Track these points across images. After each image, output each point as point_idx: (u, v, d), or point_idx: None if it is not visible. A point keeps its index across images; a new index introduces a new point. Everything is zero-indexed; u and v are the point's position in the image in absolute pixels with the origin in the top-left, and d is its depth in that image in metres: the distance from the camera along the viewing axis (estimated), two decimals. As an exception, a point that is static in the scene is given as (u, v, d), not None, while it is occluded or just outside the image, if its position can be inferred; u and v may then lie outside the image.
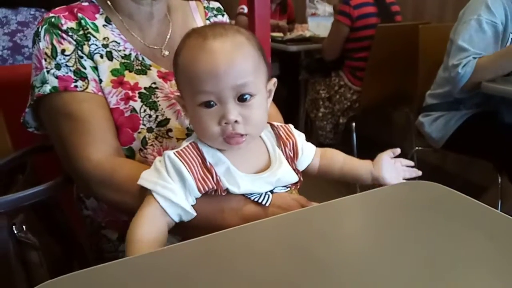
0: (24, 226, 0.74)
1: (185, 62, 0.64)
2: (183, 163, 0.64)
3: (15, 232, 0.72)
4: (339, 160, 0.80)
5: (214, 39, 0.62)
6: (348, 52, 2.36)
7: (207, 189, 0.65)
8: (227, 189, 0.66)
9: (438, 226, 0.60)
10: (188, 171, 0.64)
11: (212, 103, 0.63)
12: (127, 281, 0.49)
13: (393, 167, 0.79)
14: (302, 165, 0.76)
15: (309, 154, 0.77)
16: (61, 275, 0.49)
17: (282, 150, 0.73)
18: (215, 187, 0.66)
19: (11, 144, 0.99)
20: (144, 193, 0.65)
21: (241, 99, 0.63)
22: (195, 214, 0.66)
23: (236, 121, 0.63)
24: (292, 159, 0.74)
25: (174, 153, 0.65)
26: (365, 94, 2.28)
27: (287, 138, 0.74)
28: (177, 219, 0.64)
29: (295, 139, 0.75)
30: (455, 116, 1.73)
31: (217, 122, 0.63)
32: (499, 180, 1.74)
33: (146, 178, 0.65)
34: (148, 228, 0.61)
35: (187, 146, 0.67)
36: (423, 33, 1.93)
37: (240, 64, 0.62)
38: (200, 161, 0.66)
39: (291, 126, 0.78)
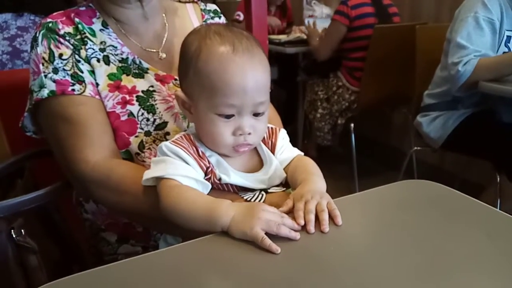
0: (22, 230, 0.74)
1: (212, 71, 0.64)
2: (180, 148, 0.66)
3: (14, 236, 0.73)
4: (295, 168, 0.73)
5: (243, 53, 0.64)
6: (344, 52, 2.37)
7: (205, 168, 0.67)
8: (220, 179, 0.68)
9: (438, 225, 0.60)
10: (187, 153, 0.66)
11: (231, 114, 0.66)
12: (126, 283, 0.49)
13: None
14: None
15: (284, 159, 0.75)
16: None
17: None
18: (209, 174, 0.67)
19: (9, 149, 0.99)
20: (148, 193, 0.65)
21: (255, 113, 0.67)
22: (210, 185, 0.67)
23: (249, 133, 0.66)
24: None
25: (169, 142, 0.68)
26: (363, 94, 2.28)
27: (267, 139, 0.75)
28: None
29: (275, 141, 0.76)
30: (453, 116, 1.73)
31: (231, 132, 0.66)
32: (498, 179, 1.73)
33: (151, 172, 0.66)
34: (190, 191, 0.62)
35: (181, 136, 0.70)
36: (420, 33, 1.93)
37: (264, 83, 0.66)
38: (194, 148, 0.68)
39: (281, 130, 0.78)
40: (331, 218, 0.59)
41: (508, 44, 1.64)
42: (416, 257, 0.52)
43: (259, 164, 0.73)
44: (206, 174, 0.67)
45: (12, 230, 0.73)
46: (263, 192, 0.69)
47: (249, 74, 0.64)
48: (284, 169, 0.74)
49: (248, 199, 0.68)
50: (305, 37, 2.78)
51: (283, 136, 0.77)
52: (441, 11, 2.44)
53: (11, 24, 1.52)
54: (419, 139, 1.92)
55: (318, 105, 2.48)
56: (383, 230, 0.59)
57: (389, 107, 2.63)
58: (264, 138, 0.75)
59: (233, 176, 0.68)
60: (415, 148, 2.05)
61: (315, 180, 0.67)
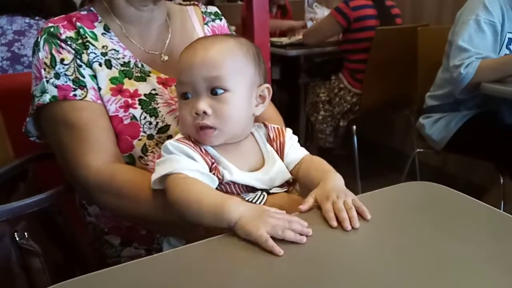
0: (26, 233, 0.74)
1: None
2: (185, 145, 0.67)
3: (17, 239, 0.73)
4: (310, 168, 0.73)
5: (207, 39, 0.69)
6: (345, 54, 2.37)
7: (210, 163, 0.67)
8: (223, 175, 0.67)
9: (441, 227, 0.60)
10: (192, 149, 0.67)
11: (188, 94, 0.68)
12: (129, 285, 0.49)
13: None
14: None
15: (293, 159, 0.75)
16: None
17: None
18: (214, 170, 0.67)
19: (13, 151, 0.99)
20: (150, 196, 0.65)
21: (213, 92, 0.67)
22: (216, 179, 0.66)
23: (205, 112, 0.66)
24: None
25: (173, 140, 0.68)
26: (365, 96, 2.28)
27: (275, 138, 0.75)
28: None
29: (283, 141, 0.75)
30: (456, 117, 1.73)
31: (190, 112, 0.67)
32: (501, 180, 1.73)
33: (158, 172, 0.66)
34: (198, 184, 0.63)
35: (183, 136, 0.70)
36: (422, 35, 1.93)
37: (216, 58, 0.66)
38: (197, 146, 0.68)
39: (287, 129, 0.78)
40: (359, 214, 0.60)
41: (510, 46, 1.64)
42: (420, 259, 0.52)
43: (261, 163, 0.73)
44: (210, 170, 0.67)
45: (16, 233, 0.73)
46: (264, 193, 0.69)
47: (198, 51, 0.67)
48: (293, 169, 0.74)
49: (250, 200, 0.68)
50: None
51: (290, 136, 0.77)
52: (443, 12, 2.44)
53: (7, 29, 1.52)
54: (422, 141, 1.92)
55: (320, 107, 2.48)
56: (386, 232, 0.59)
57: (391, 109, 2.63)
58: (271, 137, 0.75)
59: (235, 173, 0.68)
60: (418, 150, 2.04)
61: (333, 177, 0.67)
